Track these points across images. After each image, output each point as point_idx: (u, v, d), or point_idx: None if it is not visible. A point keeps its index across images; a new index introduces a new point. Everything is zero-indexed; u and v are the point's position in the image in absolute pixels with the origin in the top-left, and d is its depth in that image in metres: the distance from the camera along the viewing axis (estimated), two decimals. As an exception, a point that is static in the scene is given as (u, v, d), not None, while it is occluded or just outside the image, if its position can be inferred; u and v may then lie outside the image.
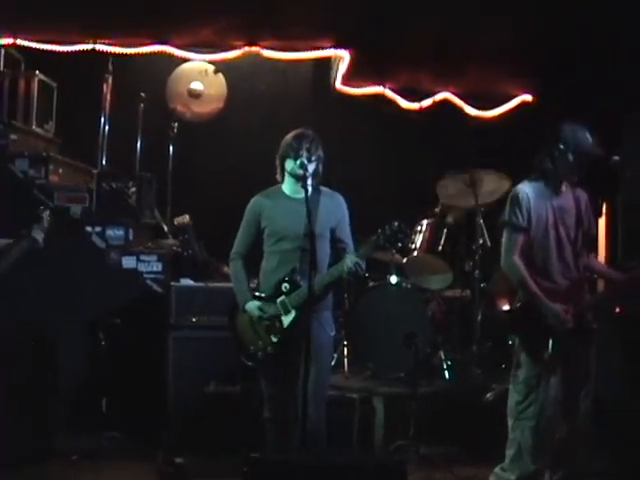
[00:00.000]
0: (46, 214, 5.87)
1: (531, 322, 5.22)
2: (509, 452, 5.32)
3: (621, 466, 6.02)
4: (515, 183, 5.51)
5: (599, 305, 5.38)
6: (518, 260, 5.22)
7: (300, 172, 5.22)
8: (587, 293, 5.38)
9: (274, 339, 5.27)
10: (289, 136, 5.35)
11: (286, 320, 5.25)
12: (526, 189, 5.27)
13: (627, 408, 6.25)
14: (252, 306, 5.30)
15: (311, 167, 5.24)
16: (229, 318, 5.49)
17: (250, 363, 5.40)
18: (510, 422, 5.34)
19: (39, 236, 5.78)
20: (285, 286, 5.25)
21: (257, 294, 5.36)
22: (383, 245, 5.24)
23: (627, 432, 6.14)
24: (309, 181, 5.20)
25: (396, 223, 5.17)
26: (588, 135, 5.21)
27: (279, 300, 5.26)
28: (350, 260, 5.15)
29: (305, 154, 5.23)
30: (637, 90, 7.97)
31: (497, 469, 5.39)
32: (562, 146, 5.17)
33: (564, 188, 5.32)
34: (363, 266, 5.18)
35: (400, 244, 5.36)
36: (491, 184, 7.70)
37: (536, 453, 5.25)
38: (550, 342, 5.15)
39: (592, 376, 5.35)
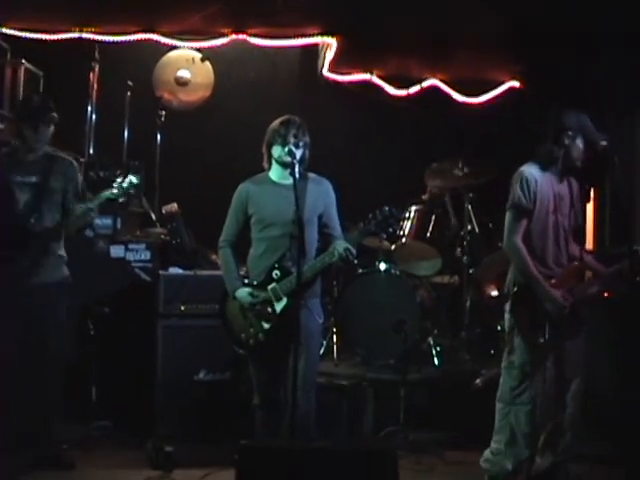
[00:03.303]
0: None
1: (529, 307, 5.25)
2: (500, 437, 5.35)
3: (611, 450, 6.06)
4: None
5: (587, 294, 5.40)
6: (520, 242, 5.24)
7: (288, 159, 5.21)
8: (579, 281, 5.41)
9: (265, 326, 5.26)
10: (276, 123, 5.34)
11: (277, 307, 5.24)
12: (532, 171, 5.30)
13: (616, 392, 6.28)
14: (243, 293, 5.29)
15: (299, 153, 5.23)
16: (219, 306, 5.49)
17: (241, 351, 5.40)
18: (500, 407, 5.36)
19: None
20: (276, 273, 5.24)
21: (247, 281, 5.36)
22: (374, 230, 5.25)
23: (617, 416, 6.17)
24: (297, 167, 5.18)
25: (387, 208, 5.16)
26: (589, 120, 5.27)
27: (270, 287, 5.25)
28: (341, 246, 5.15)
29: (292, 140, 5.22)
30: (623, 75, 8.00)
31: (488, 455, 5.42)
32: (571, 133, 5.22)
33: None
34: (354, 251, 5.19)
35: (391, 229, 5.37)
36: (478, 170, 7.74)
37: (530, 438, 5.30)
38: (546, 327, 5.19)
39: (582, 361, 5.39)
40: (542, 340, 5.21)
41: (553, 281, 5.27)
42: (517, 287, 5.32)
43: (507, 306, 5.42)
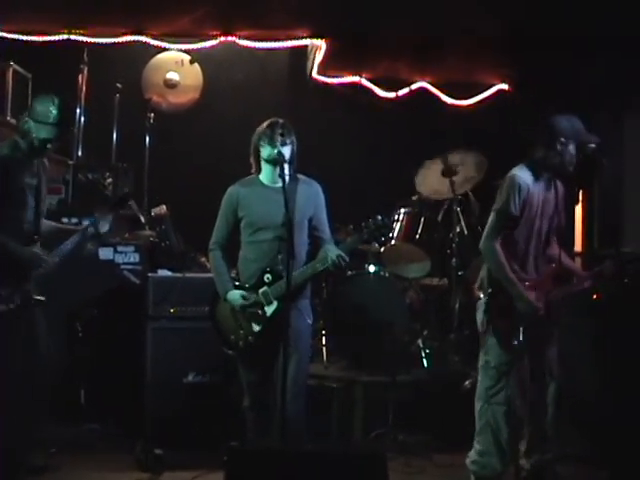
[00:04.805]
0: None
1: (503, 308, 5.26)
2: (481, 438, 5.37)
3: (596, 451, 6.08)
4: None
5: (564, 298, 5.42)
6: (498, 246, 5.25)
7: (277, 157, 5.21)
8: (556, 285, 5.42)
9: (256, 328, 5.28)
10: (261, 126, 5.37)
11: (268, 310, 5.26)
12: (525, 178, 5.28)
13: (601, 392, 6.31)
14: (235, 295, 5.31)
15: (286, 152, 5.24)
16: (210, 307, 5.51)
17: (230, 352, 5.41)
18: (478, 405, 5.39)
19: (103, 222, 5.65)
20: (267, 277, 5.26)
21: (237, 284, 5.37)
22: (367, 239, 5.32)
23: (601, 417, 6.20)
24: (286, 169, 5.20)
25: (379, 217, 5.21)
26: (580, 123, 5.28)
27: (261, 291, 5.28)
28: (334, 253, 5.19)
29: (279, 139, 5.24)
30: (613, 78, 8.03)
31: (474, 456, 5.42)
32: (564, 139, 5.22)
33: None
34: (346, 259, 5.23)
35: (383, 238, 5.42)
36: (468, 171, 7.73)
37: (511, 440, 5.32)
38: (521, 330, 5.20)
39: (556, 363, 5.41)
40: (516, 342, 5.22)
41: (527, 283, 5.29)
42: (491, 288, 5.33)
43: (480, 305, 5.42)
